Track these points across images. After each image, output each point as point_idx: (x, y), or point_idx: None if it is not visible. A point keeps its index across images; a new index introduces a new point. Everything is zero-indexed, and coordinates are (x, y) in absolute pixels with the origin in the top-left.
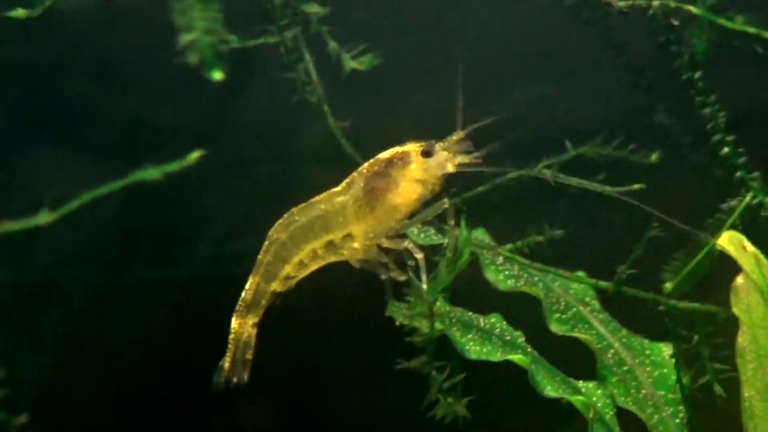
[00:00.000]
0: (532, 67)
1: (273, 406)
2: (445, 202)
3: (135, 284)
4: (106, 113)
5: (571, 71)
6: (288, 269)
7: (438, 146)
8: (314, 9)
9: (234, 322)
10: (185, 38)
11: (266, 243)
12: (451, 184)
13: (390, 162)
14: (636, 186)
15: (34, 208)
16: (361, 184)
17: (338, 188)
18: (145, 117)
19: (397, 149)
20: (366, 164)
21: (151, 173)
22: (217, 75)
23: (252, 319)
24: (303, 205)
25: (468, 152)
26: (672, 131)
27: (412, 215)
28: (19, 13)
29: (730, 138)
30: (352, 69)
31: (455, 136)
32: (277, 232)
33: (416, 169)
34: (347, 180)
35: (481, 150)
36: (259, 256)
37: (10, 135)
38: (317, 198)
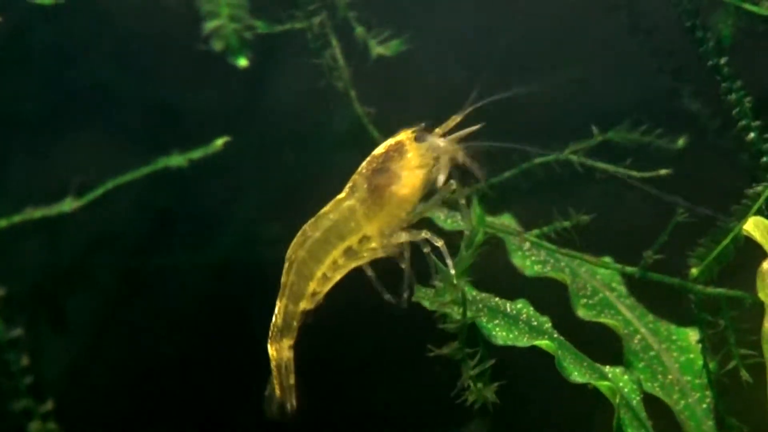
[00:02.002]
0: (559, 52)
1: (303, 393)
2: (452, 184)
3: (163, 269)
4: (133, 99)
5: (597, 56)
6: (313, 285)
7: (431, 130)
8: None
9: (270, 349)
10: (210, 25)
11: (286, 265)
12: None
13: (387, 156)
14: (662, 171)
15: (61, 194)
16: (365, 185)
17: (342, 194)
18: (173, 103)
19: (390, 141)
20: (364, 163)
21: (177, 160)
22: (242, 62)
23: (287, 342)
24: (312, 219)
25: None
26: (698, 116)
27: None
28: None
29: (755, 123)
30: (379, 54)
31: (451, 121)
32: (294, 252)
33: (414, 157)
34: (349, 184)
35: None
36: (282, 279)
37: (38, 122)
38: (325, 209)
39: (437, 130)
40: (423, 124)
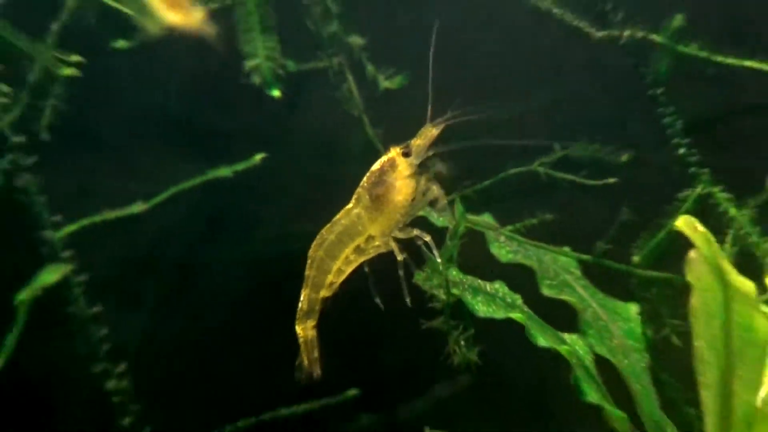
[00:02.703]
0: (533, 80)
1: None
2: (434, 189)
3: (216, 260)
4: (193, 123)
5: (562, 85)
6: (330, 277)
7: (413, 143)
8: (356, 40)
9: (298, 329)
10: (250, 63)
11: (308, 261)
12: (459, 176)
13: (382, 171)
14: (611, 180)
15: (132, 200)
16: (367, 196)
17: (350, 204)
18: (224, 126)
19: (383, 158)
20: (364, 179)
21: (224, 171)
22: (276, 93)
23: (311, 323)
24: (328, 225)
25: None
26: (641, 136)
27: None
28: (121, 44)
29: (685, 141)
30: (386, 87)
31: (427, 131)
32: (314, 251)
33: (403, 168)
34: (355, 196)
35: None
36: (306, 273)
37: (118, 142)
38: (337, 216)
39: (417, 140)
40: (409, 142)
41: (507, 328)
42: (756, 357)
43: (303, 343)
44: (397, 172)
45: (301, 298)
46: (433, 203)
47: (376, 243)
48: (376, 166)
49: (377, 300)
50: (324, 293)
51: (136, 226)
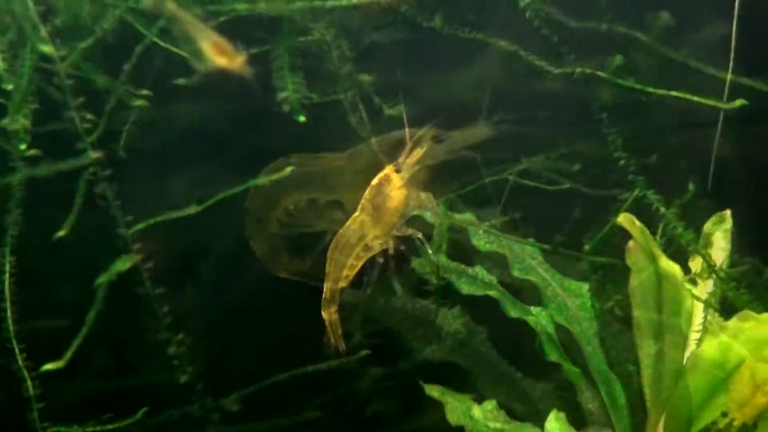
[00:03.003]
0: (504, 109)
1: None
2: (422, 197)
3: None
4: (237, 142)
5: (523, 112)
6: (346, 271)
7: (401, 160)
8: (365, 78)
9: (324, 314)
10: (281, 95)
11: (328, 261)
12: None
13: (380, 184)
14: (566, 185)
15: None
16: (369, 206)
17: (357, 213)
18: (262, 144)
19: (380, 175)
20: (366, 192)
21: (262, 180)
22: (302, 118)
23: (334, 309)
24: (341, 230)
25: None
26: (589, 150)
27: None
28: (181, 81)
29: (624, 154)
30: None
31: (415, 153)
32: (332, 252)
33: (396, 181)
34: (360, 206)
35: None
36: (327, 270)
37: (175, 156)
38: (348, 223)
39: (403, 158)
40: (399, 160)
41: (485, 303)
42: (682, 325)
43: (329, 325)
44: (392, 185)
45: (325, 290)
46: (423, 207)
47: (380, 241)
48: (375, 181)
49: (396, 284)
50: (342, 284)
51: (192, 224)
